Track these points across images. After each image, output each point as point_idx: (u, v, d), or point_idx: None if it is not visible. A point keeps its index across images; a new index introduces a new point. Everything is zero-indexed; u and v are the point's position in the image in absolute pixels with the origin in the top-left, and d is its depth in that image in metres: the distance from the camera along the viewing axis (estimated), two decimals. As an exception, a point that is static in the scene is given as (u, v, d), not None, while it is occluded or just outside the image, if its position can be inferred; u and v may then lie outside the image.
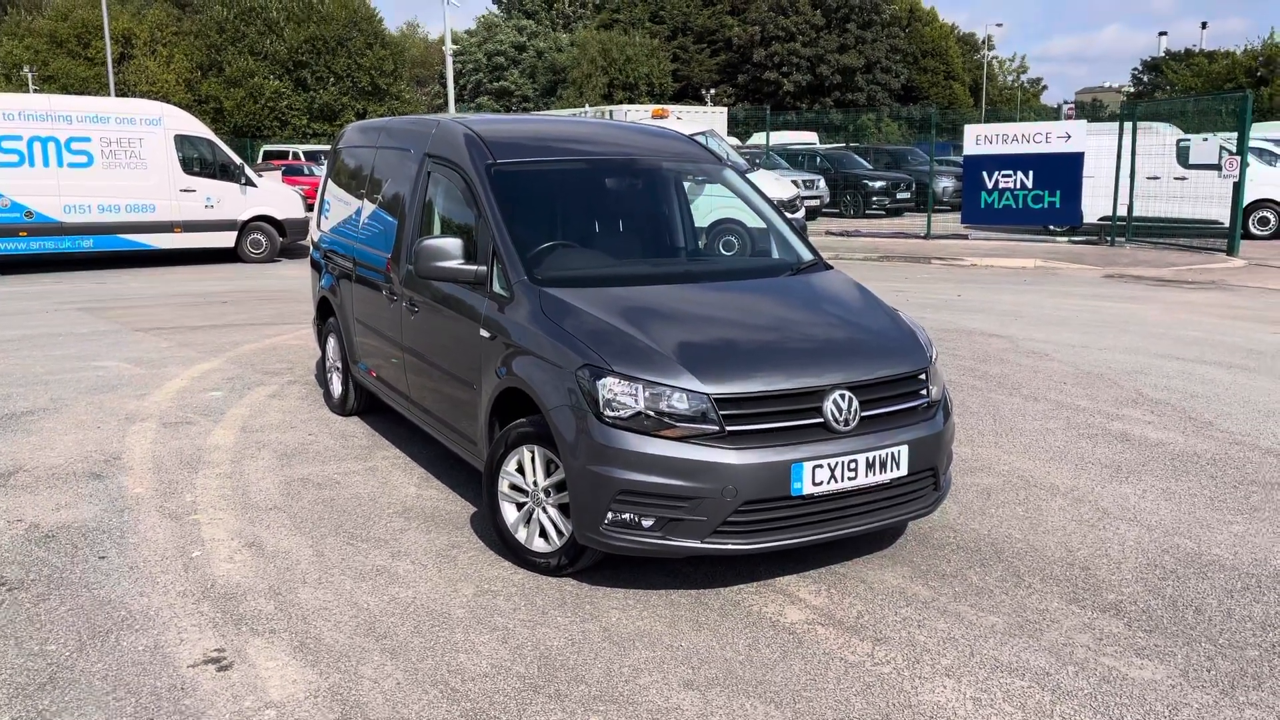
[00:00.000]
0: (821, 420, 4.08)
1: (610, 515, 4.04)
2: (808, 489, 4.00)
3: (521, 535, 4.54)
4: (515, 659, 3.75)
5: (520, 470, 4.53)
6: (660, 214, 5.80)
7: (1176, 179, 19.01)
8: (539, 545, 4.47)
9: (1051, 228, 20.79)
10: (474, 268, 4.87)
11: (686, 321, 4.46)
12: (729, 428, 3.96)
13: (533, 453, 4.43)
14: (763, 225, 5.70)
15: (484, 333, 4.78)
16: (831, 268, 5.36)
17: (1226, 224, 17.74)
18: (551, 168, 5.45)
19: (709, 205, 6.09)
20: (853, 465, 4.07)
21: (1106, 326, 10.80)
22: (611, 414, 4.02)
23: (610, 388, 4.04)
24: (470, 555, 4.71)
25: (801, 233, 5.66)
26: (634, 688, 3.54)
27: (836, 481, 4.05)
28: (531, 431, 4.41)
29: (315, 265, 7.71)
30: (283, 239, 18.17)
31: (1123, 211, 18.99)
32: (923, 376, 4.47)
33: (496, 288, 4.81)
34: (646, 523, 4.02)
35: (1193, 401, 7.50)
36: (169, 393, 7.93)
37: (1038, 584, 4.35)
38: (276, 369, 8.82)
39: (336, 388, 7.28)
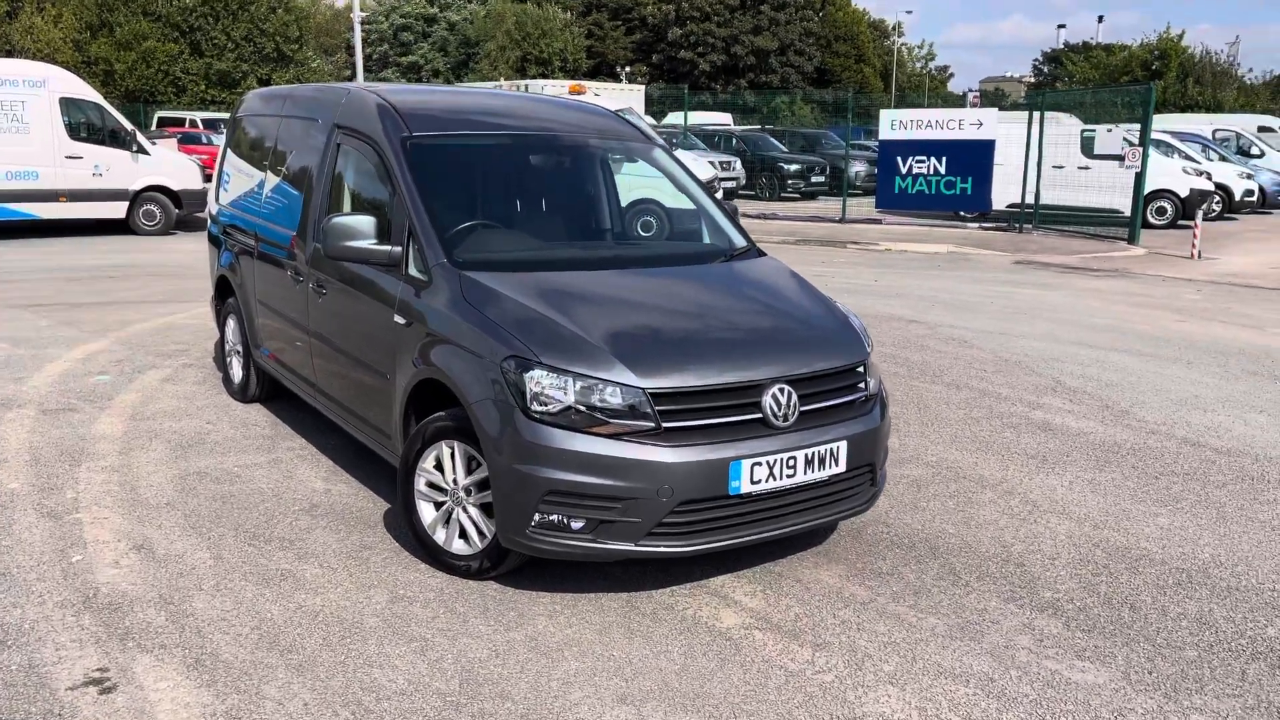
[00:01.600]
0: (760, 415, 3.88)
1: (538, 517, 3.78)
2: (746, 488, 3.81)
3: (440, 536, 4.25)
4: (434, 673, 3.48)
5: (439, 467, 4.24)
6: (587, 194, 5.53)
7: (1080, 168, 19.46)
8: (459, 547, 4.20)
9: (962, 214, 21.11)
10: (387, 248, 4.54)
11: (618, 310, 4.21)
12: (665, 424, 3.74)
13: (452, 449, 4.14)
14: (694, 208, 5.48)
15: (399, 319, 4.46)
16: (765, 254, 5.17)
17: (1126, 213, 18.22)
18: (472, 143, 5.13)
19: (636, 185, 5.84)
20: (791, 462, 3.90)
21: (1020, 313, 10.92)
22: (539, 409, 3.76)
23: (538, 381, 3.77)
24: (384, 557, 4.41)
25: (734, 217, 5.46)
26: (564, 704, 3.31)
27: (775, 479, 3.87)
28: (451, 426, 4.12)
29: (213, 241, 7.23)
30: (179, 211, 17.29)
31: (1029, 199, 19.36)
32: (861, 369, 4.31)
33: (413, 270, 4.49)
34: (576, 524, 3.78)
35: (1109, 390, 7.57)
36: (50, 376, 7.36)
37: (975, 582, 4.25)
38: (171, 351, 8.29)
39: (237, 372, 6.84)
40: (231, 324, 6.89)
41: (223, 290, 7.04)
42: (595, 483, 3.69)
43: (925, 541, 4.67)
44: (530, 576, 4.18)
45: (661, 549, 3.78)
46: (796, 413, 3.96)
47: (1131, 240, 17.80)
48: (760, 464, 3.82)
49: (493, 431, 3.84)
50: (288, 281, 5.67)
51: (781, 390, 3.94)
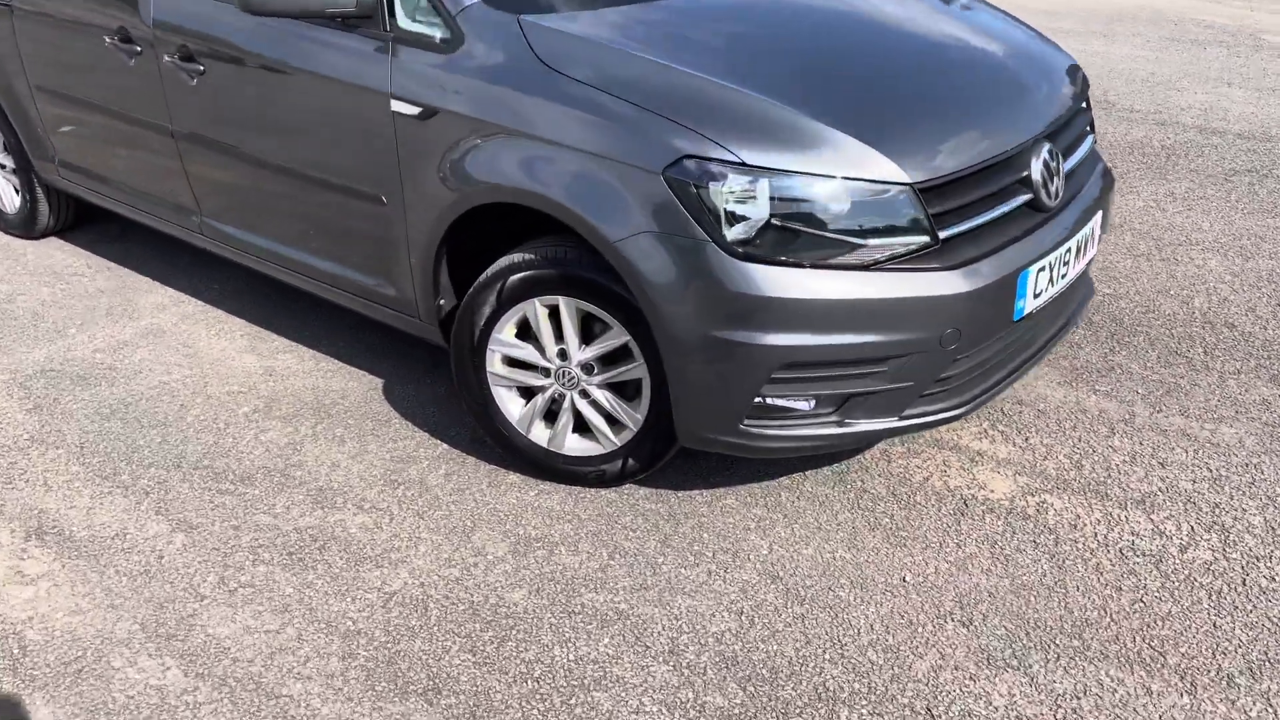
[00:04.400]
0: (1029, 196, 2.65)
1: (758, 402, 2.46)
2: (1029, 306, 2.64)
3: (541, 435, 2.84)
4: (706, 684, 2.23)
5: (523, 335, 2.77)
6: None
7: None
8: (578, 446, 2.82)
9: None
10: (354, -12, 2.72)
11: (799, 59, 2.70)
12: (942, 233, 2.43)
13: (554, 308, 2.66)
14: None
15: (402, 106, 2.74)
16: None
17: None
18: None
19: None
20: (1067, 257, 2.73)
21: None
22: (745, 238, 2.34)
23: (738, 192, 2.32)
24: (444, 473, 2.95)
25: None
26: (919, 686, 2.19)
27: (1053, 285, 2.71)
28: (553, 275, 2.61)
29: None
30: None
31: None
32: (1087, 106, 3.11)
33: (405, 22, 2.72)
34: (807, 405, 2.49)
35: (1066, 77, 6.76)
36: None
37: (1212, 360, 3.38)
38: None
39: (10, 198, 4.65)
40: (-20, 125, 4.59)
41: (-53, 74, 4.64)
42: (852, 343, 2.38)
43: (1098, 311, 3.73)
44: (668, 472, 2.91)
45: (931, 417, 2.59)
46: (1064, 181, 2.75)
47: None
48: (1044, 268, 2.64)
49: (665, 283, 2.39)
50: (105, 56, 3.59)
51: (1051, 153, 2.69)
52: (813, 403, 2.49)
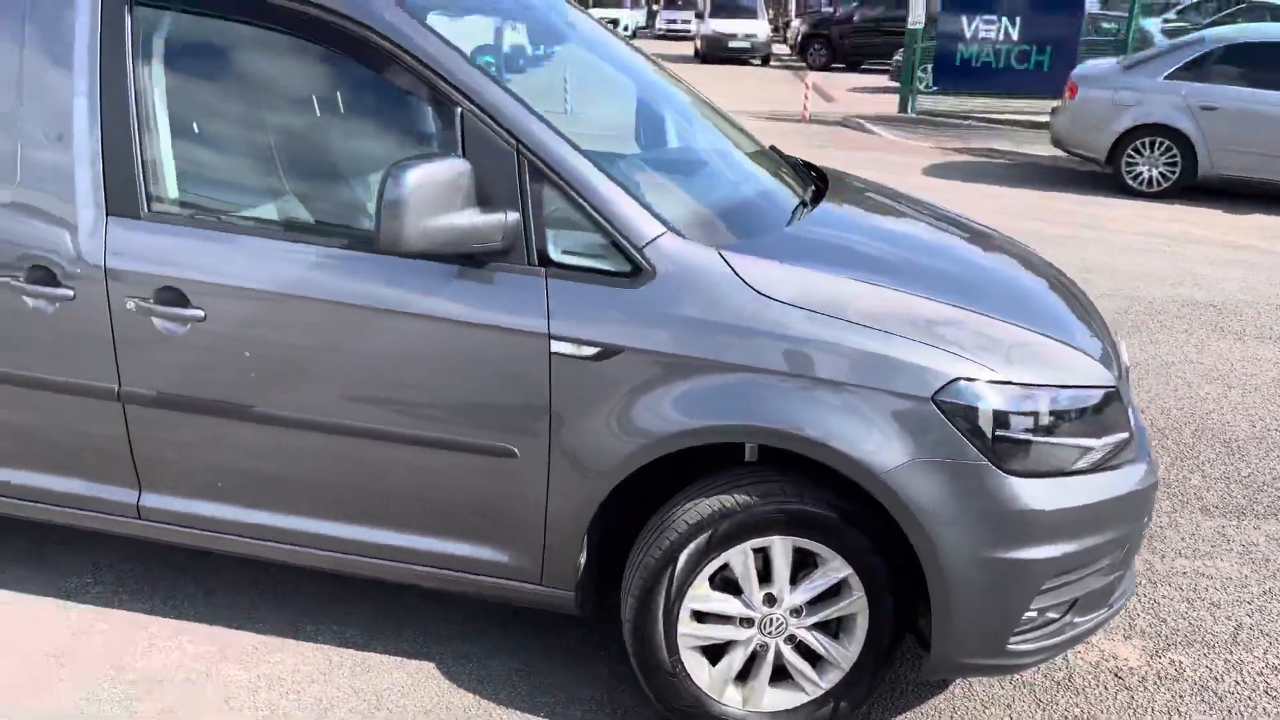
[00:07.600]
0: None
1: (1026, 616, 2.43)
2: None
3: (734, 699, 2.54)
4: None
5: (720, 584, 2.49)
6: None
7: None
8: (775, 701, 2.54)
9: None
10: (499, 217, 2.38)
11: (960, 278, 2.83)
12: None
13: (765, 551, 2.44)
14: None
15: (565, 347, 2.39)
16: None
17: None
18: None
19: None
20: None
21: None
22: (1013, 455, 2.35)
23: (1010, 410, 2.34)
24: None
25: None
26: None
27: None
28: (776, 514, 2.39)
29: None
30: None
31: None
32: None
33: (560, 255, 2.43)
34: (1054, 613, 2.52)
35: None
36: None
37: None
38: None
39: None
40: None
41: None
42: (1094, 545, 2.46)
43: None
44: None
45: (1125, 597, 2.72)
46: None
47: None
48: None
49: (943, 509, 2.30)
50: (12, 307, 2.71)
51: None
52: (1040, 609, 2.51)
